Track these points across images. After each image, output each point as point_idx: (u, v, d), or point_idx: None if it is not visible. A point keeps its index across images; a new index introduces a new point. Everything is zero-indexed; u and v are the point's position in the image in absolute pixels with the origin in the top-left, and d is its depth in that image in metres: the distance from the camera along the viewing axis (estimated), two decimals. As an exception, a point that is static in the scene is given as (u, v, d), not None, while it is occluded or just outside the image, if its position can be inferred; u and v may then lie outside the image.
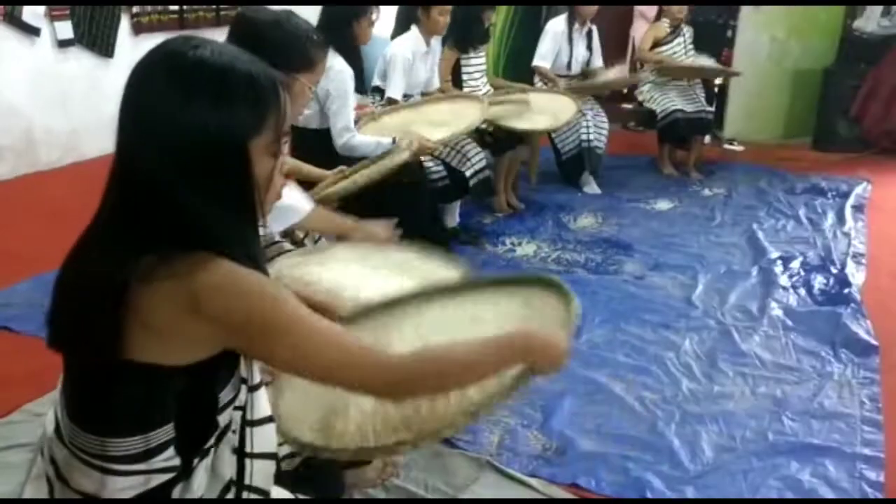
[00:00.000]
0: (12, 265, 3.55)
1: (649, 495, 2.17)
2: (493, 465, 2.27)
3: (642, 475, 2.26)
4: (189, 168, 0.99)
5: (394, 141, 3.15)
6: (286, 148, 1.13)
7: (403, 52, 3.76)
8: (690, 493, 2.19)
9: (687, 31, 5.42)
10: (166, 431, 1.04)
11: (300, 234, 2.40)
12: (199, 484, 1.10)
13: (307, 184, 2.77)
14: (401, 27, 3.98)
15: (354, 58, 3.22)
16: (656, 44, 5.32)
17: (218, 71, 1.01)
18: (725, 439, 2.45)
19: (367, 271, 1.97)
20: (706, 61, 5.49)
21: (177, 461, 1.06)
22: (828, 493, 2.20)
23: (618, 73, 5.27)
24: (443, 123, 3.47)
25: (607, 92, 5.60)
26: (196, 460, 1.08)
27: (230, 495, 1.14)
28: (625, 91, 6.65)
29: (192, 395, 1.03)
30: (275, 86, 1.06)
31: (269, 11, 2.02)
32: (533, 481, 2.22)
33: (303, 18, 2.05)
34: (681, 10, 5.25)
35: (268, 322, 1.01)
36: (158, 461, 1.05)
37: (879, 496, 2.19)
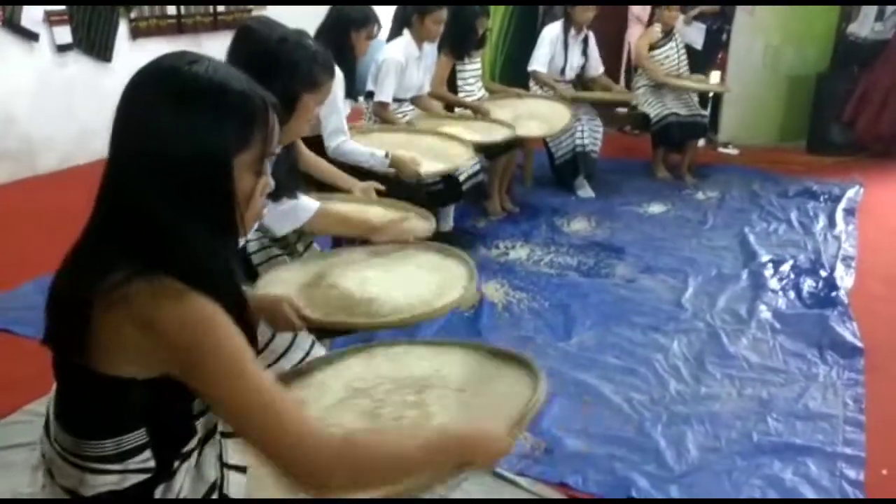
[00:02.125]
0: (14, 268, 3.60)
1: (634, 494, 2.22)
2: (482, 464, 2.31)
3: (628, 474, 2.31)
4: (173, 178, 1.02)
5: (387, 155, 3.19)
6: (270, 168, 1.15)
7: (396, 57, 3.82)
8: (675, 492, 2.24)
9: (679, 36, 5.48)
10: (139, 436, 1.08)
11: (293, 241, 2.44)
12: (182, 485, 1.13)
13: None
14: (396, 31, 4.04)
15: (348, 64, 3.27)
16: (650, 48, 5.37)
17: (211, 86, 1.04)
18: (711, 440, 2.50)
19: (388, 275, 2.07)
20: (695, 81, 5.54)
21: (152, 463, 1.09)
22: (808, 492, 2.26)
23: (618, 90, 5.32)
24: (429, 152, 3.48)
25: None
26: (176, 462, 1.12)
27: (214, 496, 1.18)
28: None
29: (161, 405, 1.05)
30: (265, 105, 1.09)
31: (278, 28, 2.06)
32: (521, 480, 2.26)
33: (313, 39, 2.09)
34: (673, 16, 5.31)
35: (210, 364, 1.02)
36: (133, 462, 1.08)
37: (859, 494, 2.24)
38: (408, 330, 3.02)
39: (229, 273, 1.09)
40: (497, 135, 3.93)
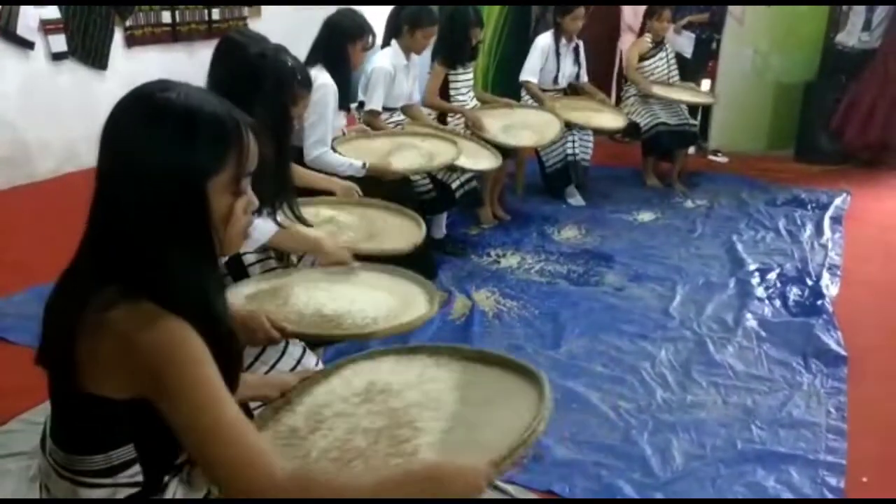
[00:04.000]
0: (8, 276, 3.63)
1: (620, 501, 2.27)
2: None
3: (614, 482, 2.35)
4: (149, 203, 1.05)
5: (364, 165, 3.25)
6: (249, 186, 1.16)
7: (385, 66, 3.89)
8: (660, 498, 2.29)
9: (669, 46, 5.56)
10: (127, 452, 1.11)
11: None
12: (174, 495, 1.17)
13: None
14: (387, 40, 4.11)
15: (342, 76, 3.33)
16: (640, 59, 5.44)
17: (181, 111, 1.07)
18: (696, 447, 2.55)
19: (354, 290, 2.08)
20: (684, 92, 5.60)
21: (141, 477, 1.13)
22: (791, 499, 2.31)
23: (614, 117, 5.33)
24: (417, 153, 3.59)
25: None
26: (167, 477, 1.16)
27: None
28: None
29: (147, 423, 1.09)
30: (238, 127, 1.11)
31: (257, 43, 2.10)
32: (509, 487, 2.30)
33: (291, 55, 2.13)
34: (663, 27, 5.37)
35: (181, 394, 1.04)
36: (123, 477, 1.12)
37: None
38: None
39: (205, 296, 1.11)
40: (482, 163, 3.98)
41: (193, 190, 1.07)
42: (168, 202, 1.06)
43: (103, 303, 1.04)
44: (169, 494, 1.17)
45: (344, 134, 3.55)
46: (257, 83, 1.97)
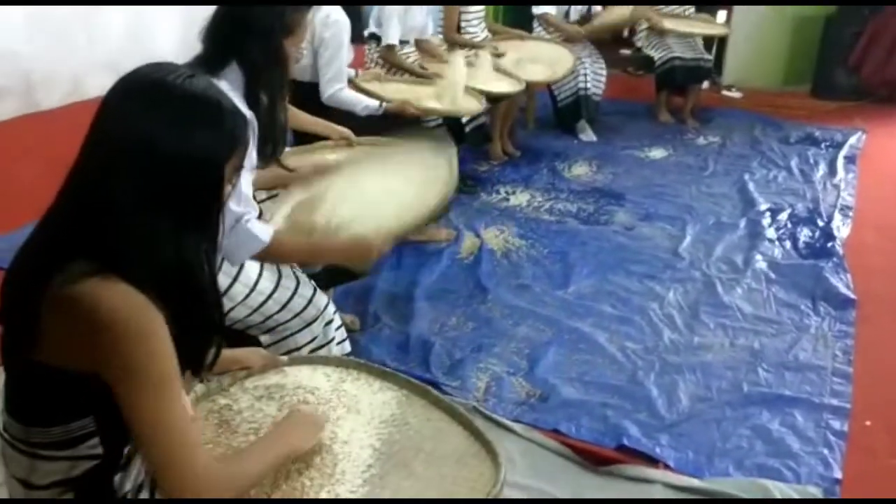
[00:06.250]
0: (15, 208, 3.61)
1: (626, 442, 2.28)
2: (479, 411, 2.37)
3: (620, 422, 2.37)
4: (169, 185, 1.06)
5: (381, 105, 3.20)
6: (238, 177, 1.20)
7: None
8: (665, 440, 2.31)
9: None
10: (86, 424, 1.10)
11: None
12: (138, 472, 1.17)
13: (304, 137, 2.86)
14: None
15: (352, 8, 3.24)
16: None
17: (209, 98, 1.11)
18: (702, 389, 2.57)
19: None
20: (696, 24, 5.47)
21: (100, 450, 1.11)
22: (794, 442, 2.32)
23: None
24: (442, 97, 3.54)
25: (608, 37, 5.65)
26: (128, 448, 1.15)
27: None
28: (625, 35, 6.66)
29: (108, 397, 1.06)
30: (246, 121, 1.17)
31: None
32: (516, 426, 2.33)
33: None
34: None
35: (133, 374, 1.03)
36: (83, 448, 1.11)
37: (842, 444, 2.32)
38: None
39: (201, 272, 1.13)
40: (503, 86, 3.96)
41: (216, 173, 1.11)
42: (190, 183, 1.08)
43: (71, 276, 1.02)
44: (133, 469, 1.16)
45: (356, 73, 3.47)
46: (249, 22, 1.92)
